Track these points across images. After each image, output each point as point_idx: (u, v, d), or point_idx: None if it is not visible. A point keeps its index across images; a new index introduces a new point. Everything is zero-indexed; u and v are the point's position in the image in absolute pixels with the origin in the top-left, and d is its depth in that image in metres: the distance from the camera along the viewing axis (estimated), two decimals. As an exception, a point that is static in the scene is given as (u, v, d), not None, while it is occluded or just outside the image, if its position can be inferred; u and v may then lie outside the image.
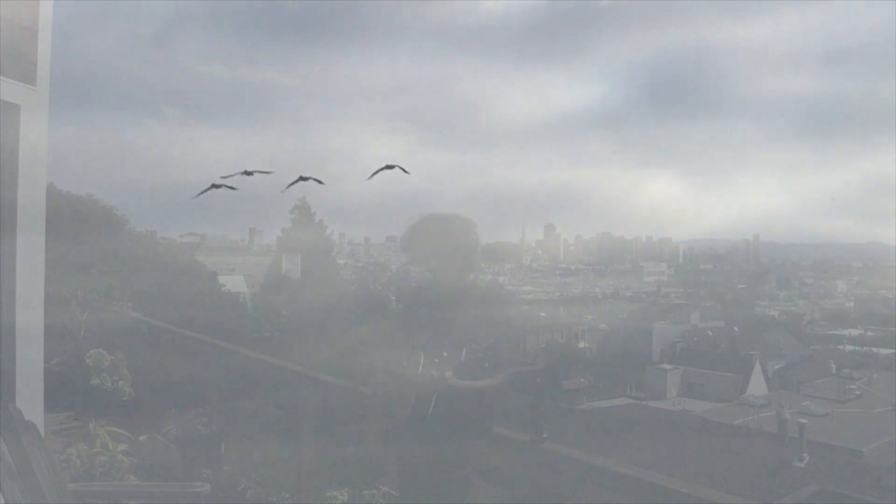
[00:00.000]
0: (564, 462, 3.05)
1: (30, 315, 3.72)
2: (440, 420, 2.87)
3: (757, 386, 31.26)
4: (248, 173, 3.17)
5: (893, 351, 33.99)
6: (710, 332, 37.89)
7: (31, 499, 2.86)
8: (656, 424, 22.75)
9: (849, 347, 36.56)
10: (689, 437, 19.85)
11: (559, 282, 51.54)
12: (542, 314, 39.43)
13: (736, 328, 38.23)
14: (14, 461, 2.89)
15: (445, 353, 2.88)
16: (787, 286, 49.90)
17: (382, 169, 3.24)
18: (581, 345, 37.35)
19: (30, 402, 3.57)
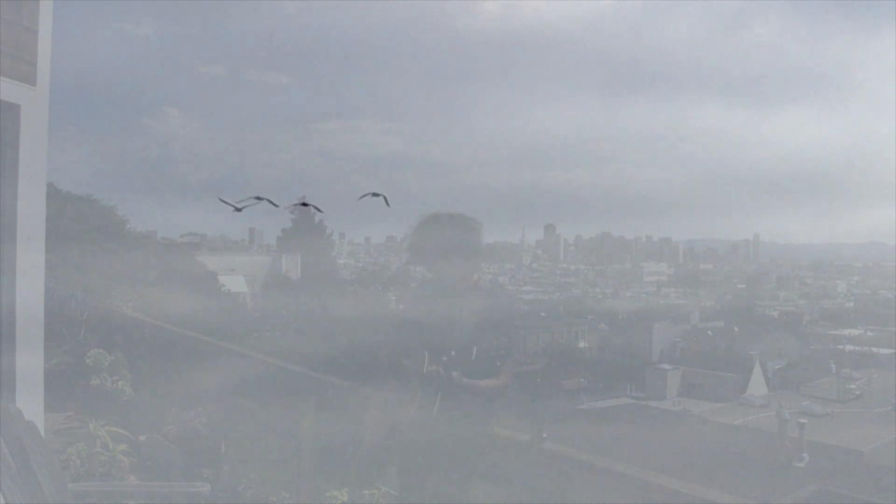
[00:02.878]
0: (564, 462, 3.05)
1: (30, 315, 3.71)
2: (444, 419, 2.87)
3: (757, 386, 31.22)
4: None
5: (893, 351, 33.96)
6: (710, 332, 37.85)
7: (31, 499, 2.86)
8: (656, 424, 22.76)
9: (849, 347, 36.51)
10: (689, 437, 19.85)
11: (559, 282, 51.45)
12: (542, 314, 39.39)
13: (736, 328, 38.19)
14: (14, 461, 2.88)
15: (453, 353, 2.88)
16: (787, 286, 49.82)
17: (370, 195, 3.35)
18: (581, 345, 37.32)
19: (30, 402, 3.57)
